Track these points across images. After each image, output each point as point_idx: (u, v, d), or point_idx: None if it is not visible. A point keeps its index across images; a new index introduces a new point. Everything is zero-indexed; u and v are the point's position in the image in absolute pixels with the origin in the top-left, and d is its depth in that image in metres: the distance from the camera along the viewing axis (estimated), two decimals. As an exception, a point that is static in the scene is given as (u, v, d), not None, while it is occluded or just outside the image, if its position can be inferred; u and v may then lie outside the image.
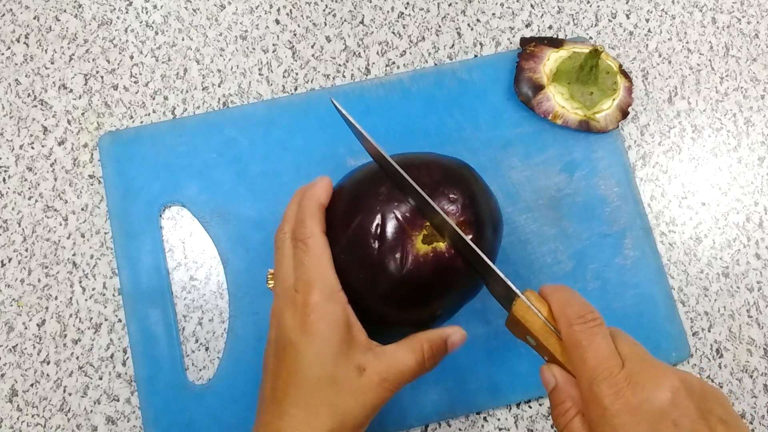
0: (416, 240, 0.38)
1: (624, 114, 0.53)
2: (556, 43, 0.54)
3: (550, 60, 0.53)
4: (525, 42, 0.55)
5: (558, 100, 0.52)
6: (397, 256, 0.38)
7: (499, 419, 0.48)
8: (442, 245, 0.38)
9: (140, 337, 0.48)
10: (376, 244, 0.38)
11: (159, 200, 0.50)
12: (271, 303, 0.39)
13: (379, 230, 0.38)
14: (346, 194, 0.40)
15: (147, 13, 0.56)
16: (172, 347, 0.48)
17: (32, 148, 0.52)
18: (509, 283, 0.36)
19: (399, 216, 0.38)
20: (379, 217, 0.38)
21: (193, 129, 0.52)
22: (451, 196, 0.39)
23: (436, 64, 0.55)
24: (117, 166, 0.51)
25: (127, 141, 0.51)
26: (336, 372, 0.36)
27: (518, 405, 0.49)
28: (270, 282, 0.41)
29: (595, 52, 0.50)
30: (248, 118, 0.52)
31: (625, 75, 0.54)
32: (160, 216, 0.50)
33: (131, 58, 0.55)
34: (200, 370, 0.48)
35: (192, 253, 0.50)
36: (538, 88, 0.53)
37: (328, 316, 0.36)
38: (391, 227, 0.38)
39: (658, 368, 0.31)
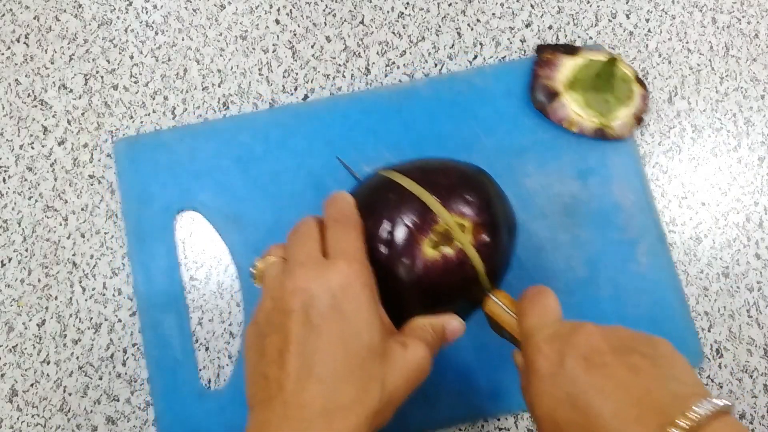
0: (424, 245, 0.38)
1: (639, 121, 0.53)
2: (571, 50, 0.54)
3: (566, 67, 0.53)
4: (541, 49, 0.55)
5: (573, 108, 0.52)
6: (406, 261, 0.38)
7: (499, 419, 0.48)
8: (450, 250, 0.38)
9: (154, 342, 0.48)
10: (386, 250, 0.38)
11: (174, 206, 0.50)
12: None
13: (388, 236, 0.38)
14: (357, 201, 0.40)
15: (147, 13, 0.56)
16: (186, 352, 0.48)
17: (32, 148, 0.52)
18: (484, 283, 0.39)
19: (408, 222, 0.38)
20: (388, 222, 0.38)
21: (209, 135, 0.52)
22: (467, 197, 0.39)
23: (449, 70, 0.55)
24: (132, 172, 0.51)
25: (142, 146, 0.51)
26: (385, 344, 0.34)
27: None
28: (258, 265, 0.38)
29: (613, 61, 0.50)
30: (264, 125, 0.52)
31: (641, 83, 0.54)
32: (175, 222, 0.50)
33: (131, 58, 0.55)
34: (215, 375, 0.48)
35: (194, 252, 0.50)
36: (554, 95, 0.53)
37: (370, 285, 0.35)
38: (400, 233, 0.38)
39: (586, 324, 0.33)
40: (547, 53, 0.54)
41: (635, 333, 0.33)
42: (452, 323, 0.39)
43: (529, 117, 0.53)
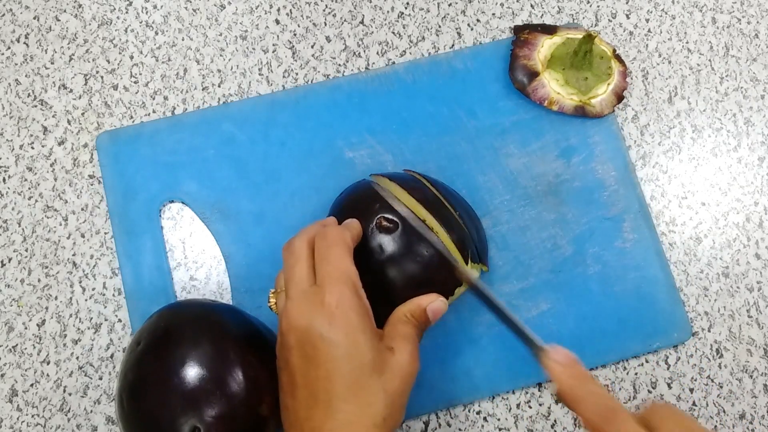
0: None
1: (619, 98, 0.53)
2: (549, 29, 0.55)
3: (544, 47, 0.54)
4: (519, 29, 0.55)
5: (553, 87, 0.53)
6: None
7: (499, 419, 0.48)
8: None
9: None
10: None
11: (159, 198, 0.50)
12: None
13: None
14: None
15: (147, 13, 0.56)
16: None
17: (32, 148, 0.52)
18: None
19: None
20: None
21: (191, 126, 0.52)
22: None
23: (430, 54, 0.55)
24: (116, 165, 0.51)
25: (125, 139, 0.51)
26: (376, 356, 0.37)
27: (518, 405, 0.49)
28: (271, 300, 0.41)
29: (589, 37, 0.50)
30: (246, 113, 0.52)
31: (619, 59, 0.54)
32: (161, 214, 0.50)
33: (131, 58, 0.55)
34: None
35: (194, 252, 0.50)
36: (533, 75, 0.53)
37: (356, 306, 0.37)
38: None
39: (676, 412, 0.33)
40: (525, 33, 0.54)
41: None
42: (433, 305, 0.41)
43: (510, 97, 0.54)
